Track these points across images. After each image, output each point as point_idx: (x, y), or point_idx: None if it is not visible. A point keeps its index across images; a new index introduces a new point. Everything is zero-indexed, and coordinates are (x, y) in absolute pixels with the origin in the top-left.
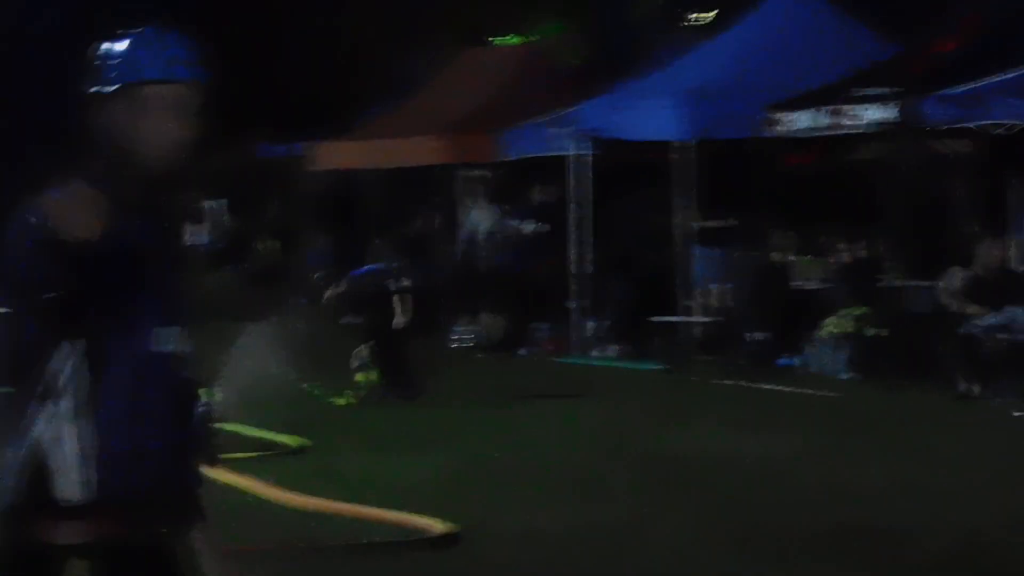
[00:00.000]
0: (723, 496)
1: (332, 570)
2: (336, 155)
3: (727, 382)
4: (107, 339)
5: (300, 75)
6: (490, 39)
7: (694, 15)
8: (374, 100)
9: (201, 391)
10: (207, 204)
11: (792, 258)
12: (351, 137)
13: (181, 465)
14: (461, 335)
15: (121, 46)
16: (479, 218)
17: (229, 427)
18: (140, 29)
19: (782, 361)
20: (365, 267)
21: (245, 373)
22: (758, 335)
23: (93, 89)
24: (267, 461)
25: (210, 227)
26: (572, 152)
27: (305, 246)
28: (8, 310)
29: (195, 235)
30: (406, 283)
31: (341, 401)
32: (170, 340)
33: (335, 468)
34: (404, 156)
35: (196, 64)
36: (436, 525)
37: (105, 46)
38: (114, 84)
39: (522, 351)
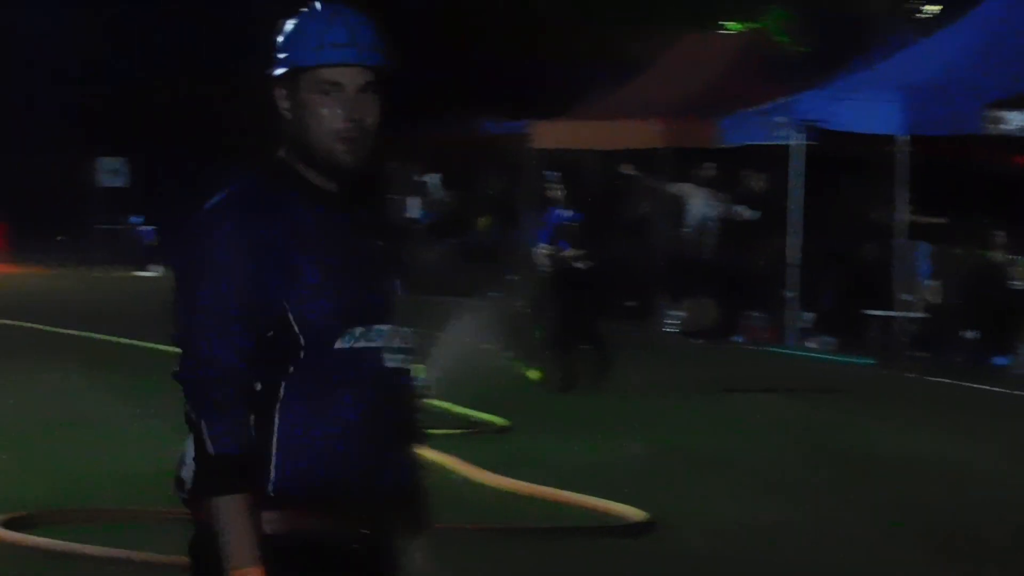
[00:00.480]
0: (922, 498)
1: (527, 552)
2: (557, 134)
3: (938, 380)
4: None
5: (526, 53)
6: (715, 24)
7: (919, 8)
8: (597, 81)
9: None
10: (426, 178)
11: (1007, 257)
12: (572, 117)
13: (401, 466)
14: (674, 321)
15: (289, 26)
16: (696, 204)
17: (436, 404)
18: (308, 7)
19: (998, 360)
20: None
21: (455, 349)
22: (971, 334)
23: (267, 72)
24: (470, 439)
25: (427, 201)
26: (790, 141)
27: (521, 224)
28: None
29: (413, 209)
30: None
31: (534, 375)
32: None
33: (535, 450)
34: (623, 138)
35: (366, 47)
36: (632, 512)
37: (282, 25)
38: (278, 68)
39: (736, 338)
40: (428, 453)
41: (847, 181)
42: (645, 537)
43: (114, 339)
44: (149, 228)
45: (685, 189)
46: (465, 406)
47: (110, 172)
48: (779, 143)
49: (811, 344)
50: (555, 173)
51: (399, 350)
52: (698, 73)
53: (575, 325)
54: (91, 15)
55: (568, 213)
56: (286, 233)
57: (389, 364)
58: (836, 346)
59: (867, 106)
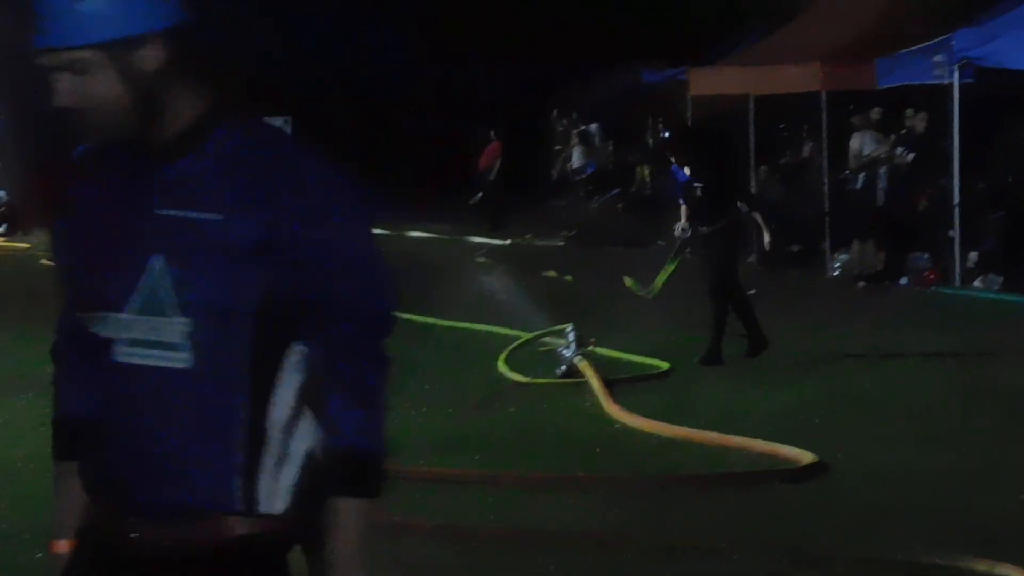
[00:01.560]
0: None
1: (693, 499)
2: (714, 81)
3: None
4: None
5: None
6: None
7: None
8: (755, 26)
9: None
10: (590, 128)
11: None
12: (730, 63)
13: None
14: (838, 265)
15: None
16: (858, 146)
17: (600, 351)
18: None
19: None
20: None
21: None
22: None
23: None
24: (633, 386)
25: (590, 152)
26: (950, 80)
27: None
28: None
29: (576, 160)
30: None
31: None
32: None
33: (696, 395)
34: (782, 83)
35: (98, 20)
36: (802, 455)
37: None
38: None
39: (902, 281)
40: (593, 400)
41: (1009, 120)
42: (812, 481)
43: None
44: None
45: (845, 132)
46: (626, 351)
47: None
48: (937, 83)
49: (977, 284)
50: (667, 132)
51: (146, 343)
52: (854, 14)
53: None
54: None
55: (685, 174)
56: (71, 203)
57: (121, 359)
58: (1002, 285)
59: None
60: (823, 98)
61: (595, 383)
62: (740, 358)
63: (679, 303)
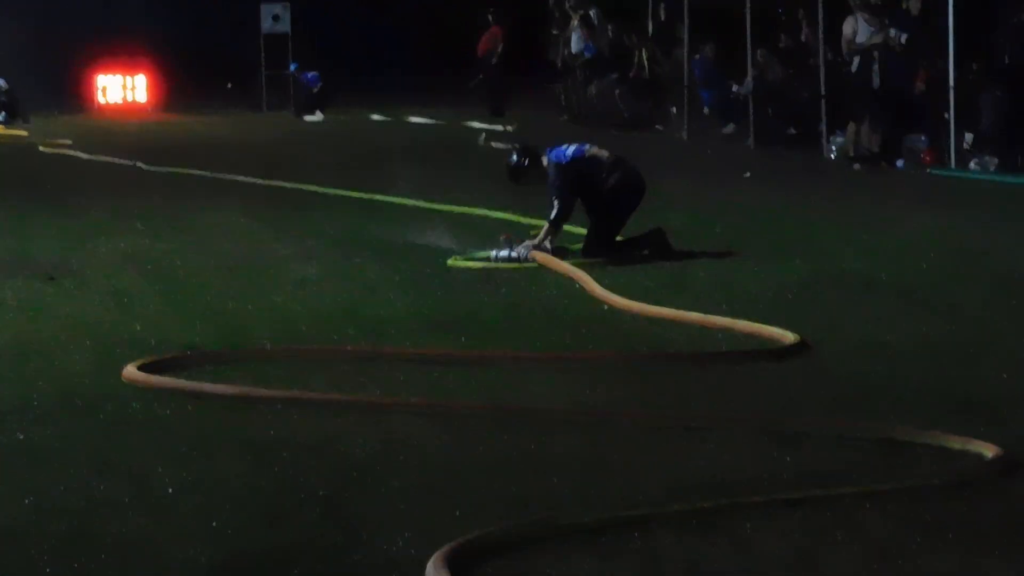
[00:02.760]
0: None
1: (677, 378)
2: None
3: None
4: None
5: None
6: None
7: None
8: None
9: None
10: (589, 12)
11: None
12: None
13: None
14: (835, 147)
15: None
16: (851, 30)
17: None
18: None
19: None
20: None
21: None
22: None
23: None
24: (622, 267)
25: (589, 35)
26: None
27: (685, 57)
28: None
29: (576, 43)
30: None
31: None
32: None
33: (684, 275)
34: None
35: None
36: (784, 335)
37: None
38: None
39: (898, 163)
40: (575, 276)
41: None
42: (797, 359)
43: (277, 183)
44: (314, 74)
45: (842, 14)
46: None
47: (272, 18)
48: None
49: (972, 166)
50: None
51: None
52: None
53: None
54: None
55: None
56: None
57: None
58: (998, 166)
59: None
60: None
61: (564, 268)
62: (733, 238)
63: (670, 184)
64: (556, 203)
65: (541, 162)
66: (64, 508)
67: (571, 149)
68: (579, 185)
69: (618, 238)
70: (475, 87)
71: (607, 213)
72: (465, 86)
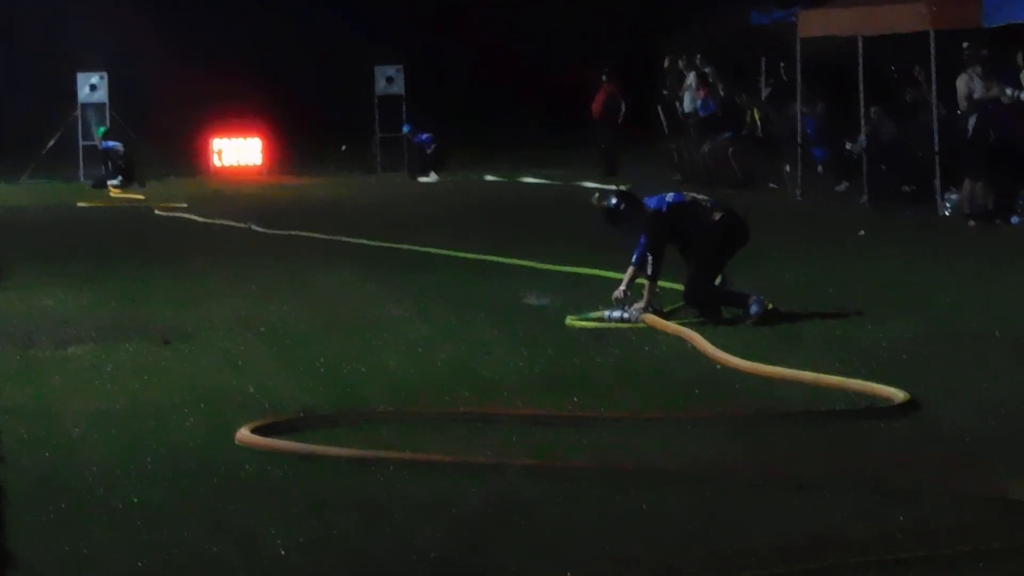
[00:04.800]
0: None
1: (787, 436)
2: (823, 21)
3: None
4: None
5: None
6: None
7: None
8: None
9: None
10: (703, 70)
11: None
12: (840, 3)
13: None
14: (950, 203)
15: None
16: (965, 87)
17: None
18: None
19: None
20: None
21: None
22: None
23: None
24: (734, 325)
25: (705, 93)
26: None
27: (798, 114)
28: None
29: (690, 103)
30: None
31: None
32: None
33: (797, 333)
34: (891, 22)
35: None
36: (896, 393)
37: None
38: None
39: (1013, 220)
40: (686, 336)
41: None
42: (909, 417)
43: (391, 244)
44: (427, 135)
45: (955, 71)
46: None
47: (386, 80)
48: None
49: None
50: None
51: None
52: None
53: None
54: None
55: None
56: None
57: None
58: None
59: None
60: (932, 37)
61: (674, 329)
62: (846, 294)
63: (783, 241)
64: (650, 259)
65: (640, 207)
66: (177, 569)
67: (670, 195)
68: (678, 231)
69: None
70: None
71: (706, 256)
72: (578, 146)
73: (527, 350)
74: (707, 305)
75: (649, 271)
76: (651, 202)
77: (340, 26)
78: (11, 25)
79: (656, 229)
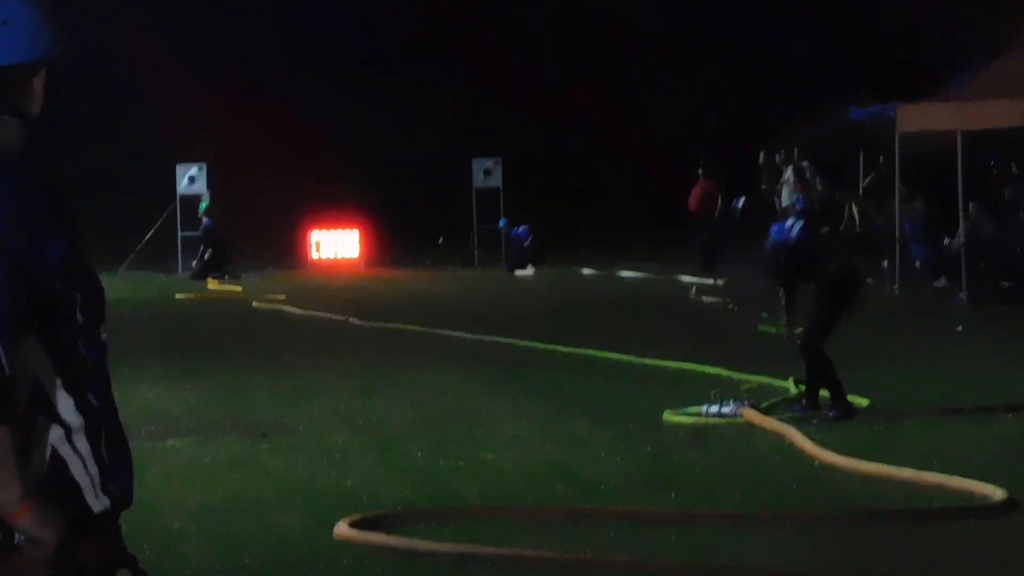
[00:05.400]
0: None
1: (888, 535)
2: (924, 117)
3: None
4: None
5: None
6: None
7: None
8: (964, 62)
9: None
10: (801, 165)
11: None
12: (941, 99)
13: None
14: None
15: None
16: None
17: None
18: None
19: None
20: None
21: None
22: None
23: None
24: (832, 423)
25: (804, 188)
26: None
27: (896, 210)
28: None
29: (788, 198)
30: None
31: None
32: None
33: (895, 431)
34: (990, 117)
35: None
36: (994, 491)
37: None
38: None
39: None
40: (784, 432)
41: None
42: (1008, 516)
43: (488, 338)
44: (524, 229)
45: None
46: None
47: (483, 173)
48: None
49: None
50: None
51: None
52: None
53: None
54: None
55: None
56: None
57: None
58: None
59: None
60: None
61: (773, 424)
62: (938, 394)
63: (881, 337)
64: (781, 291)
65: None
66: None
67: (796, 229)
68: (801, 269)
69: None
70: (703, 241)
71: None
72: (675, 240)
73: (625, 446)
74: (814, 366)
75: (783, 303)
76: (775, 229)
77: (439, 118)
78: (112, 117)
79: (786, 260)
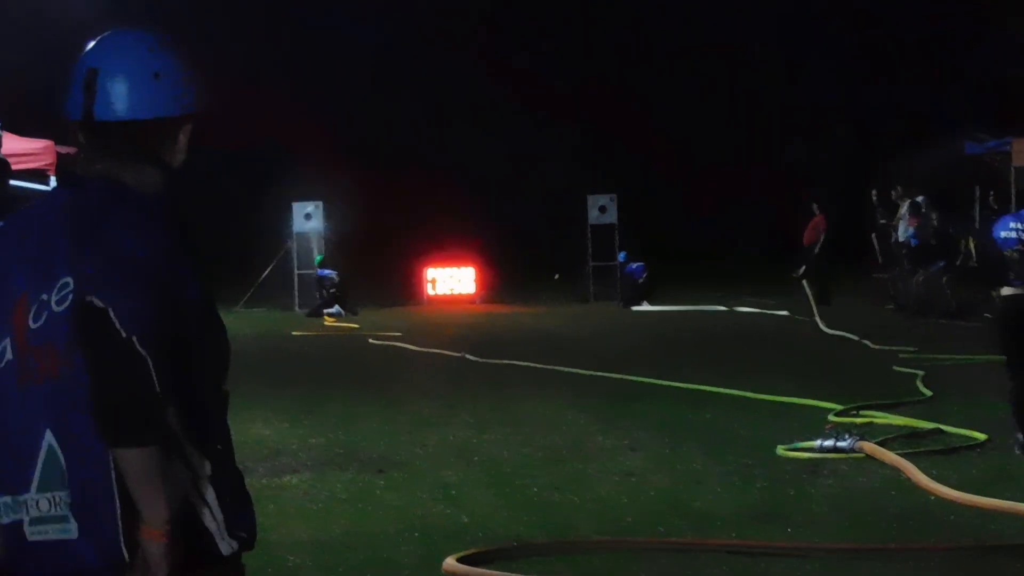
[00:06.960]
0: None
1: (1005, 570)
2: None
3: None
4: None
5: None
6: None
7: None
8: None
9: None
10: (917, 200)
11: None
12: None
13: None
14: None
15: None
16: None
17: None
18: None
19: None
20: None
21: None
22: None
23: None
24: (948, 457)
25: (919, 222)
26: None
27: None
28: None
29: (904, 232)
30: None
31: None
32: None
33: (1012, 465)
34: None
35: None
36: None
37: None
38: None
39: None
40: (900, 466)
41: None
42: None
43: (604, 374)
44: (639, 264)
45: None
46: (941, 421)
47: (599, 209)
48: None
49: None
50: None
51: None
52: None
53: None
54: None
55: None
56: None
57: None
58: None
59: None
60: None
61: (892, 459)
62: None
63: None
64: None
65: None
66: None
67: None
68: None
69: None
70: (800, 277)
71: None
72: (792, 276)
73: (739, 480)
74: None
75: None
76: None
77: (554, 155)
78: (232, 155)
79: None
